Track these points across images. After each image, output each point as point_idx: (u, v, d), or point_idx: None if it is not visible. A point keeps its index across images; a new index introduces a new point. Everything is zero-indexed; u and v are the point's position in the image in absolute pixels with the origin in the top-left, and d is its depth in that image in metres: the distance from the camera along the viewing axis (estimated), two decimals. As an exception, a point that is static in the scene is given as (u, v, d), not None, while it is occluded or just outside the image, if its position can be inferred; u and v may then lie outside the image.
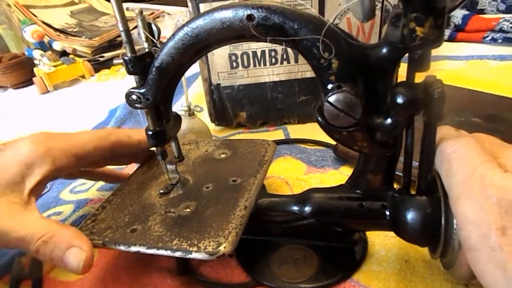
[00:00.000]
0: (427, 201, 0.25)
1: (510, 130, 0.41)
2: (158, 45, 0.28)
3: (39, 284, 0.33)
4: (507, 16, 0.81)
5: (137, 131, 0.38)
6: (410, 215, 0.25)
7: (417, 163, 0.26)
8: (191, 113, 0.48)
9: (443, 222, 0.23)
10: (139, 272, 0.33)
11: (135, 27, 1.06)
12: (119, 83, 0.85)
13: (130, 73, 0.27)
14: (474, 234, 0.20)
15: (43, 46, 0.87)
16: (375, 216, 0.27)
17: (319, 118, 0.24)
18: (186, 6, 0.48)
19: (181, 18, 0.85)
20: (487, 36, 0.78)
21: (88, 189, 0.45)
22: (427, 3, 0.19)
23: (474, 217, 0.20)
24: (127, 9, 1.35)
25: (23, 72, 0.88)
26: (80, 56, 0.94)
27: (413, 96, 0.22)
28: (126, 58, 0.27)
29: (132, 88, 0.27)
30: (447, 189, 0.23)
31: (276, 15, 0.22)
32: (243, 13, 0.23)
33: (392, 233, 0.31)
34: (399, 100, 0.22)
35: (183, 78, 0.53)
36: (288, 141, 0.50)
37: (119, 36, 1.02)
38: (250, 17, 0.23)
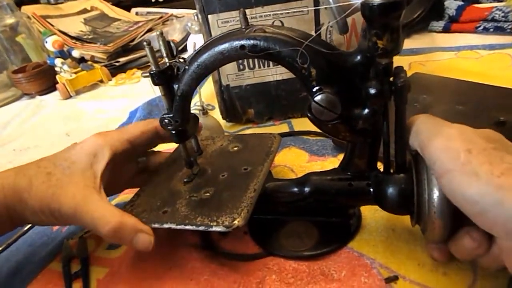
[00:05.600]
0: (402, 178, 0.31)
1: (490, 116, 0.46)
2: (177, 60, 0.34)
3: (86, 261, 0.40)
4: (500, 5, 0.85)
5: None
6: (389, 191, 0.31)
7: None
8: (204, 112, 0.54)
9: (415, 192, 0.29)
10: (169, 248, 0.39)
11: (148, 31, 1.13)
12: (135, 86, 0.92)
13: (156, 84, 0.34)
14: (447, 159, 0.25)
15: (63, 54, 0.93)
16: (361, 193, 0.33)
17: (309, 115, 0.30)
18: (194, 8, 0.54)
19: (189, 22, 0.91)
20: (480, 26, 0.81)
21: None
22: (383, 23, 0.25)
23: (445, 147, 0.26)
24: (136, 13, 1.41)
25: (46, 80, 0.95)
26: (96, 62, 1.01)
27: (381, 88, 0.28)
28: (152, 72, 0.33)
29: (164, 114, 0.35)
30: (418, 146, 0.28)
31: (261, 42, 0.29)
32: (236, 44, 0.30)
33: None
34: (372, 91, 0.28)
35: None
36: (292, 133, 0.56)
37: (132, 41, 1.09)
38: (242, 47, 0.30)
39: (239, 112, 0.60)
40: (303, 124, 0.58)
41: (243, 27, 0.32)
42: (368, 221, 0.37)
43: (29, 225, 0.46)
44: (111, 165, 0.37)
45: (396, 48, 0.26)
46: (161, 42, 0.34)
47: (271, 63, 0.55)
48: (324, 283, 0.32)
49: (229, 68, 0.56)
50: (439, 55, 0.74)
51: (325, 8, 0.29)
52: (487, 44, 0.73)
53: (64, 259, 0.40)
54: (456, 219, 0.27)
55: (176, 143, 0.38)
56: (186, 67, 0.33)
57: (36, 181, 0.34)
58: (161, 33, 0.34)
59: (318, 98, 0.29)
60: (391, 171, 0.32)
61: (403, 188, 0.30)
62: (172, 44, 0.35)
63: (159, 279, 0.36)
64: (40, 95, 0.96)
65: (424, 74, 0.61)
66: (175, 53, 0.35)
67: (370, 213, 0.38)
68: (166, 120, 0.35)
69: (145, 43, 0.33)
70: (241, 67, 0.56)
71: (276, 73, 0.56)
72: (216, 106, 0.62)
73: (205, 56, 0.31)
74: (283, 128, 0.58)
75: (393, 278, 0.31)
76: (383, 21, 0.25)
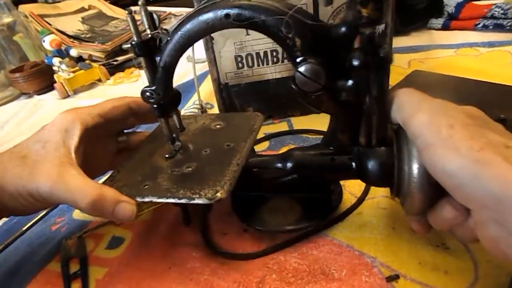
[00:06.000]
0: (384, 151, 0.31)
1: (491, 113, 0.46)
2: (159, 31, 0.33)
3: (85, 261, 0.39)
4: (499, 2, 0.84)
5: None
6: (370, 164, 0.31)
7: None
8: (203, 110, 0.54)
9: (396, 165, 0.29)
10: (167, 248, 0.39)
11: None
12: (133, 85, 0.91)
13: (137, 55, 0.33)
14: (429, 133, 0.26)
15: (61, 54, 0.93)
16: (344, 168, 0.33)
17: (293, 86, 0.30)
18: (191, 7, 0.53)
19: (188, 20, 0.91)
20: (479, 24, 0.81)
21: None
22: None
23: (428, 122, 0.26)
24: (135, 12, 1.40)
25: (44, 79, 0.94)
26: (94, 61, 1.00)
27: (364, 59, 0.28)
28: (133, 42, 0.32)
29: (146, 87, 0.34)
30: (401, 120, 0.28)
31: (246, 11, 0.29)
32: (221, 13, 0.29)
33: (382, 205, 0.37)
34: (355, 63, 0.28)
35: (194, 79, 0.59)
36: (292, 132, 0.56)
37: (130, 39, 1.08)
38: (227, 16, 0.29)
39: (238, 111, 0.60)
40: (302, 122, 0.57)
41: None
42: (369, 219, 0.37)
43: (28, 225, 0.46)
44: (86, 141, 0.36)
45: (380, 18, 0.26)
46: (143, 13, 0.32)
47: (270, 61, 0.55)
48: (325, 282, 0.32)
49: (228, 67, 0.55)
50: (438, 52, 0.74)
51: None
52: (486, 41, 0.73)
53: (62, 259, 0.40)
54: (435, 192, 0.27)
55: (158, 117, 0.37)
56: (169, 38, 0.32)
57: (10, 165, 0.33)
58: (143, 3, 0.32)
59: (302, 68, 0.29)
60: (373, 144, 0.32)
61: (384, 161, 0.31)
62: (154, 16, 0.33)
63: (159, 279, 0.35)
64: (38, 94, 0.95)
65: (424, 71, 0.61)
66: (157, 24, 0.33)
67: (371, 210, 0.38)
68: (147, 93, 0.34)
69: (126, 11, 0.31)
70: (240, 65, 0.55)
71: (275, 71, 0.56)
72: (215, 104, 0.62)
73: (188, 26, 0.30)
74: (283, 126, 0.58)
75: (394, 277, 0.31)
76: None
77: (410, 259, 0.33)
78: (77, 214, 0.47)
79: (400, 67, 0.68)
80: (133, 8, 1.15)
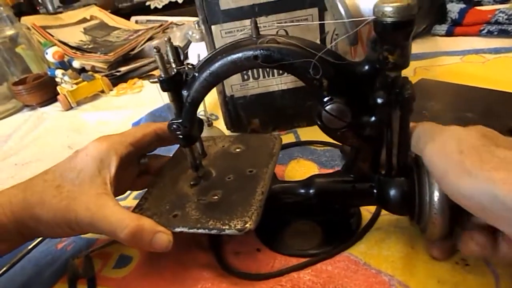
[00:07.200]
0: (404, 181, 0.32)
1: (501, 123, 0.45)
2: (185, 65, 0.34)
3: (93, 282, 0.38)
4: (502, 7, 0.84)
5: None
6: (392, 193, 0.32)
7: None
8: (210, 124, 0.53)
9: (417, 194, 0.30)
10: (178, 268, 0.38)
11: (148, 39, 1.12)
12: (137, 96, 0.91)
13: (164, 90, 0.34)
14: (442, 162, 0.27)
15: (64, 65, 0.92)
16: (365, 195, 0.35)
17: (319, 122, 0.31)
18: (194, 16, 0.53)
19: (190, 31, 0.90)
20: (483, 29, 0.80)
21: (126, 198, 0.51)
22: (395, 40, 0.26)
23: (439, 152, 0.28)
24: (136, 22, 1.41)
25: (47, 91, 0.94)
26: (97, 72, 1.00)
27: (388, 98, 0.29)
28: (161, 78, 0.33)
29: (172, 119, 0.35)
30: (418, 152, 0.30)
31: (275, 53, 0.30)
32: (250, 54, 0.30)
33: (401, 224, 0.37)
34: (379, 101, 0.29)
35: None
36: (299, 143, 0.55)
37: (133, 50, 1.08)
38: (255, 57, 0.30)
39: (244, 123, 0.59)
40: (309, 133, 0.57)
41: (254, 36, 0.32)
42: (387, 235, 0.36)
43: (33, 244, 0.45)
44: (118, 170, 0.36)
45: (405, 63, 0.27)
46: (168, 48, 0.33)
47: (275, 72, 0.54)
48: (341, 303, 0.31)
49: (234, 79, 0.55)
50: (444, 59, 0.73)
51: (337, 21, 0.29)
52: (492, 47, 0.72)
53: (70, 280, 0.39)
54: (454, 217, 0.29)
55: (184, 147, 0.38)
56: (196, 74, 0.33)
57: (46, 196, 0.33)
58: (169, 39, 0.34)
59: (329, 107, 0.30)
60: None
61: (406, 190, 0.32)
62: (179, 50, 0.34)
63: (169, 300, 0.34)
64: (41, 106, 0.95)
65: (431, 80, 0.60)
66: (182, 58, 0.35)
67: (390, 227, 0.37)
68: (174, 126, 0.35)
69: (154, 50, 0.33)
70: (246, 77, 0.55)
71: (280, 82, 0.55)
72: (220, 116, 0.61)
73: (217, 65, 0.32)
74: (289, 138, 0.57)
75: (412, 297, 0.30)
76: (395, 37, 0.26)
77: (428, 278, 0.32)
78: (83, 232, 0.46)
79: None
80: (135, 18, 1.14)
